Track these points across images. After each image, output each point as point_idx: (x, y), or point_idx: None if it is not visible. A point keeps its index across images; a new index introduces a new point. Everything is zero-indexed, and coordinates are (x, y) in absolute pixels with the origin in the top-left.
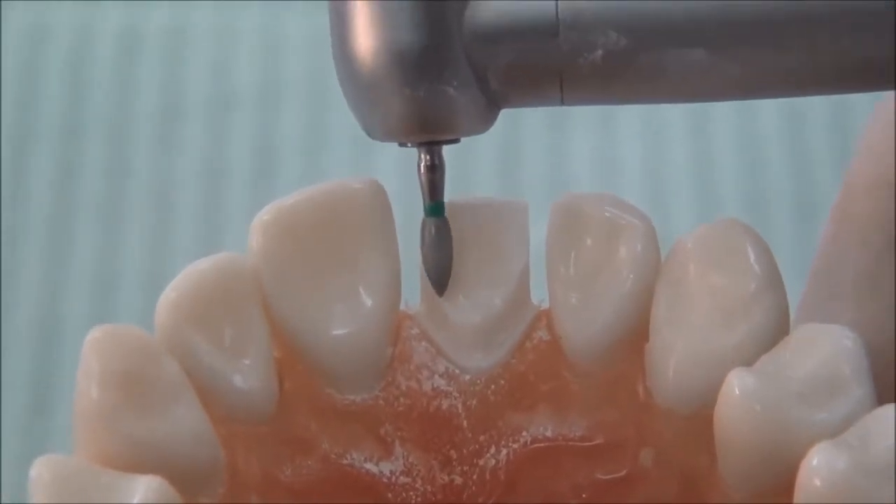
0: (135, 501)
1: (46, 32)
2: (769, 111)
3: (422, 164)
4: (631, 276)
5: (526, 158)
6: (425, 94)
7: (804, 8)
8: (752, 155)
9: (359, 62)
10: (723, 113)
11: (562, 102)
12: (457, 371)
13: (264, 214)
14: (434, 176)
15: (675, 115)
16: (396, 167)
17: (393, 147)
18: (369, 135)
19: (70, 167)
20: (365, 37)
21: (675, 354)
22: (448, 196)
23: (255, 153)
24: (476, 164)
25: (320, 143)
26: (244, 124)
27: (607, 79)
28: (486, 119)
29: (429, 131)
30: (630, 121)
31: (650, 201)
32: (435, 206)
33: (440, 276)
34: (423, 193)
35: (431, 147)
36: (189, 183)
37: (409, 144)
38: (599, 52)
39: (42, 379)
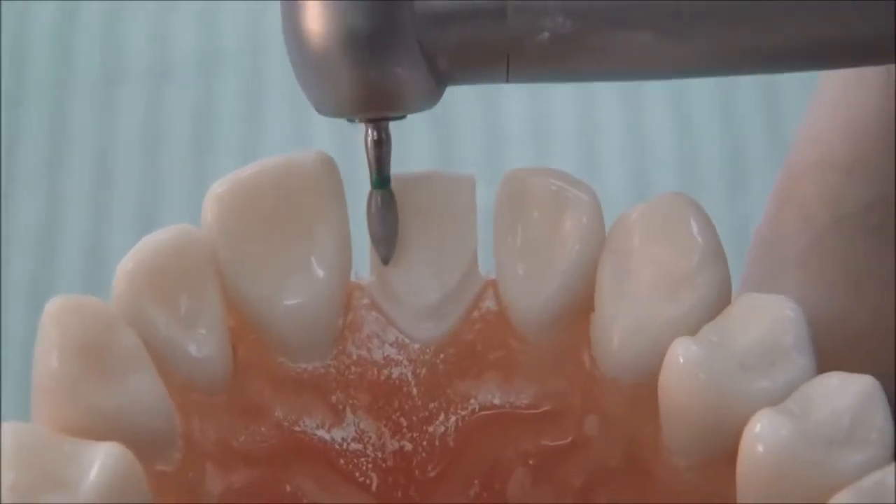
0: (95, 467)
1: None
2: (701, 84)
3: (369, 139)
4: (576, 247)
5: (460, 128)
6: (375, 74)
7: None
8: (685, 127)
9: (311, 43)
10: (655, 85)
11: (507, 81)
12: (406, 340)
13: (218, 187)
14: (381, 151)
15: (608, 86)
16: (333, 138)
17: (330, 118)
18: (318, 110)
19: (10, 136)
20: (317, 19)
21: (620, 325)
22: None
23: (193, 122)
24: (411, 133)
25: (258, 112)
26: (182, 93)
27: (553, 59)
28: (433, 96)
29: (377, 108)
30: (564, 88)
31: (583, 172)
32: (381, 178)
33: (386, 246)
34: (369, 167)
35: (378, 123)
36: (128, 151)
37: (357, 120)
38: (546, 35)
39: None
